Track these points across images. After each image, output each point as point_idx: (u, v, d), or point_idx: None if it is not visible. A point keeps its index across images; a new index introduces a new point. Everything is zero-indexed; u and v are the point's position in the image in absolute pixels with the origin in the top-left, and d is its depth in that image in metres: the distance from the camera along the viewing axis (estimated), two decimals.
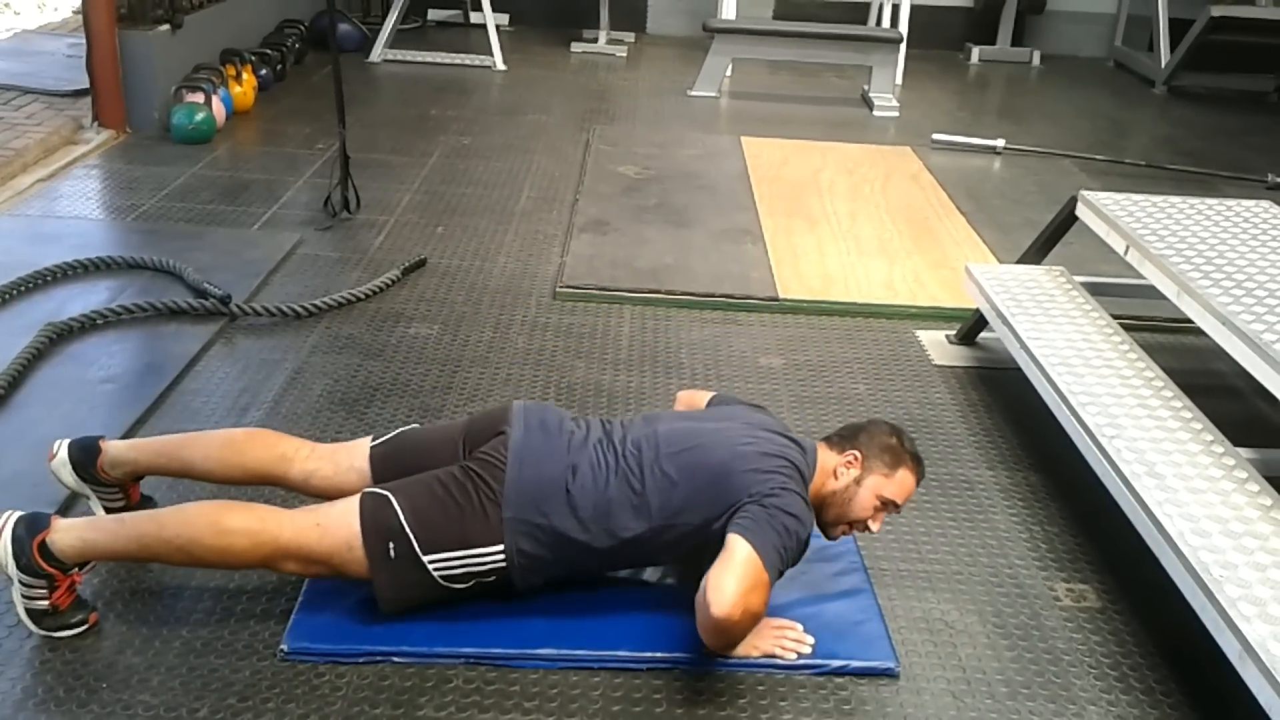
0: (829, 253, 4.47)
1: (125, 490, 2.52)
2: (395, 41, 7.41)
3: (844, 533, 2.43)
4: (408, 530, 2.22)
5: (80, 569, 2.24)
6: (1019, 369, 3.16)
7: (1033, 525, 2.81)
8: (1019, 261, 3.80)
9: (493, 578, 2.27)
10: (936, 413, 3.34)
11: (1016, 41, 8.60)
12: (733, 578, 2.10)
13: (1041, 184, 5.53)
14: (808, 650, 2.28)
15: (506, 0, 8.21)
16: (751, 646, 2.26)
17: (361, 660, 2.21)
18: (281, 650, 2.21)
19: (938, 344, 3.78)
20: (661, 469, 2.28)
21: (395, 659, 2.22)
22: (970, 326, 3.73)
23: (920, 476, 2.43)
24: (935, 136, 6.14)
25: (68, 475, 2.47)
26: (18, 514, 2.23)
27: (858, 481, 2.36)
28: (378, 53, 7.28)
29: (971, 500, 2.90)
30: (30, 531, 2.19)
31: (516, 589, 2.30)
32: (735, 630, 2.17)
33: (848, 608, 2.42)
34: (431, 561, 2.23)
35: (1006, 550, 2.71)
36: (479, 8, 7.47)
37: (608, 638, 2.29)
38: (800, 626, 2.33)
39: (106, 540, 2.23)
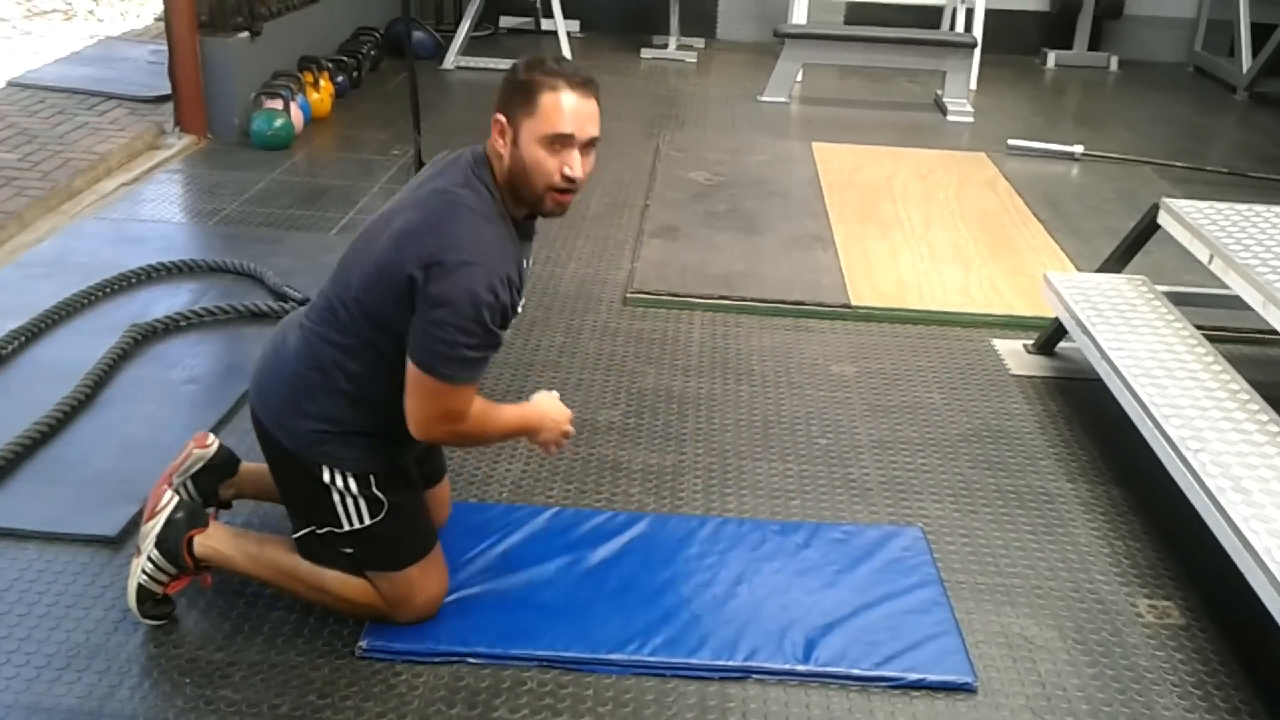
0: (902, 259, 4.43)
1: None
2: (468, 48, 7.49)
3: (555, 201, 2.12)
4: (316, 532, 2.25)
5: (209, 573, 2.32)
6: (1099, 380, 3.11)
7: (1114, 539, 2.76)
8: (1099, 270, 3.74)
9: (382, 492, 2.20)
10: (1014, 423, 3.29)
11: (1093, 46, 8.46)
12: (412, 402, 2.10)
13: (1121, 191, 5.44)
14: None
15: (578, 7, 8.26)
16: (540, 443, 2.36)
17: (438, 660, 2.23)
18: (360, 648, 2.24)
19: (1015, 353, 3.73)
20: (350, 292, 2.14)
21: (470, 660, 2.23)
22: (1049, 336, 3.68)
23: (572, 82, 2.06)
24: (1011, 142, 6.06)
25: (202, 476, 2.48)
26: (178, 499, 2.31)
27: (515, 142, 2.08)
28: (451, 60, 7.35)
29: (1051, 513, 2.86)
30: (190, 523, 2.27)
31: (391, 474, 2.23)
32: (457, 438, 2.23)
33: (924, 621, 2.40)
34: (334, 534, 2.22)
35: (1087, 565, 2.66)
36: (550, 14, 7.51)
37: (682, 645, 2.29)
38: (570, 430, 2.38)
39: (242, 561, 2.29)
